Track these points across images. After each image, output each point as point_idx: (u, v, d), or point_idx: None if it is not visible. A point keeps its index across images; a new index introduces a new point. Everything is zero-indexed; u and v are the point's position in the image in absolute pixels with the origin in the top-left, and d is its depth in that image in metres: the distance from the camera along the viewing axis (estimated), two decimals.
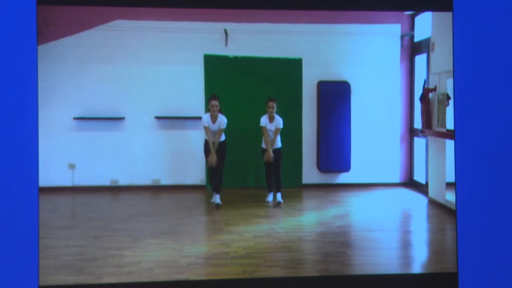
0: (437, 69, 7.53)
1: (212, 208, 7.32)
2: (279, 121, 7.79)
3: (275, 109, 7.75)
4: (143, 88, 8.77)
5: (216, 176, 7.64)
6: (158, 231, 6.11)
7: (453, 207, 6.49)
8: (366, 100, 9.04)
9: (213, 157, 7.50)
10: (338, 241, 5.71)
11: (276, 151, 7.80)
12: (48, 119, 8.64)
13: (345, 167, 8.96)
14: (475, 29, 3.92)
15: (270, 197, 7.82)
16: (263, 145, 7.84)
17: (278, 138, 7.81)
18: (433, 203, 7.62)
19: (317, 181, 9.06)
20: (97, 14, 8.51)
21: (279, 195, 7.69)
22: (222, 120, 7.60)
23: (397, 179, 9.19)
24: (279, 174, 7.81)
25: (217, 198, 7.50)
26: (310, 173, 9.04)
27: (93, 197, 8.25)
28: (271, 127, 7.78)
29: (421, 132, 7.94)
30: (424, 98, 7.79)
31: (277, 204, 7.56)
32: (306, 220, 6.77)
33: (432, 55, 7.77)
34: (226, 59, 8.70)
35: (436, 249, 5.66)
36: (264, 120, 7.80)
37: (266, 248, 5.46)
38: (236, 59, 8.73)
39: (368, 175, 9.09)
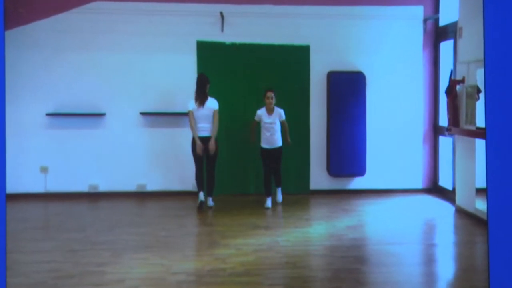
0: (465, 58, 7.53)
1: (198, 209, 7.77)
2: (280, 113, 7.94)
3: (274, 100, 7.88)
4: (126, 80, 8.79)
5: (201, 174, 7.96)
6: (143, 245, 6.11)
7: (484, 217, 6.49)
8: (383, 94, 9.05)
9: (211, 147, 7.74)
10: (351, 256, 5.71)
11: (277, 150, 8.00)
12: (17, 115, 8.66)
13: (360, 171, 8.97)
14: (510, 11, 3.91)
15: (269, 203, 7.97)
16: (263, 144, 8.00)
17: (279, 135, 7.96)
18: (461, 212, 7.63)
19: (327, 187, 9.07)
20: None
21: (279, 192, 8.21)
22: (213, 101, 7.80)
23: (419, 185, 9.20)
24: (279, 171, 8.10)
25: (201, 195, 7.86)
26: (319, 178, 9.05)
27: (69, 205, 8.26)
28: (270, 119, 7.90)
29: (447, 131, 7.94)
30: (450, 91, 7.79)
31: (266, 208, 7.88)
32: (315, 231, 6.78)
33: (459, 41, 7.77)
34: (222, 46, 8.71)
35: (464, 265, 5.67)
36: (261, 113, 7.94)
37: (268, 264, 5.46)
38: (233, 46, 8.73)
39: (386, 180, 9.10)
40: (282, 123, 7.97)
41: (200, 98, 7.71)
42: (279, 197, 8.25)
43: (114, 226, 6.94)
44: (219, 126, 7.84)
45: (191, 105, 7.74)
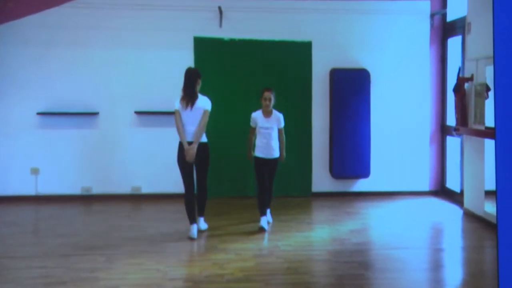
0: (474, 55, 7.54)
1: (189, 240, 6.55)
2: (279, 119, 7.04)
3: (272, 101, 6.98)
4: (121, 78, 8.79)
5: (191, 195, 6.73)
6: (138, 249, 6.11)
7: (493, 220, 6.50)
8: (388, 92, 9.06)
9: (190, 152, 6.47)
10: (355, 261, 5.72)
11: (273, 162, 7.06)
12: (7, 114, 8.66)
13: (364, 173, 8.98)
14: None
15: (263, 222, 6.96)
16: (257, 153, 7.06)
17: (276, 144, 7.04)
18: (469, 215, 7.64)
19: (329, 189, 9.07)
20: None
21: (268, 213, 7.17)
22: (204, 100, 6.62)
23: (426, 187, 9.21)
24: (271, 186, 7.16)
25: (194, 229, 6.59)
26: (321, 180, 9.05)
27: (61, 208, 8.26)
28: (266, 124, 7.01)
29: (455, 130, 7.95)
30: (458, 89, 7.80)
31: (260, 229, 6.88)
32: (317, 235, 6.78)
33: (468, 37, 7.78)
34: (220, 43, 8.72)
35: (473, 271, 5.67)
36: (256, 117, 7.06)
37: (268, 269, 5.46)
38: (232, 43, 8.74)
39: (391, 182, 9.10)
40: (279, 131, 7.05)
41: (188, 97, 6.54)
42: (269, 218, 7.23)
43: (107, 230, 6.94)
44: (209, 128, 6.76)
45: (178, 103, 6.61)
